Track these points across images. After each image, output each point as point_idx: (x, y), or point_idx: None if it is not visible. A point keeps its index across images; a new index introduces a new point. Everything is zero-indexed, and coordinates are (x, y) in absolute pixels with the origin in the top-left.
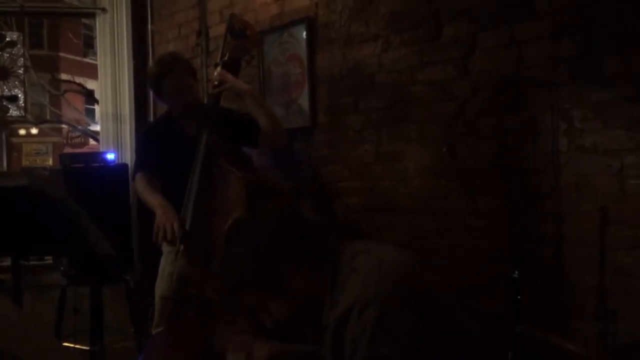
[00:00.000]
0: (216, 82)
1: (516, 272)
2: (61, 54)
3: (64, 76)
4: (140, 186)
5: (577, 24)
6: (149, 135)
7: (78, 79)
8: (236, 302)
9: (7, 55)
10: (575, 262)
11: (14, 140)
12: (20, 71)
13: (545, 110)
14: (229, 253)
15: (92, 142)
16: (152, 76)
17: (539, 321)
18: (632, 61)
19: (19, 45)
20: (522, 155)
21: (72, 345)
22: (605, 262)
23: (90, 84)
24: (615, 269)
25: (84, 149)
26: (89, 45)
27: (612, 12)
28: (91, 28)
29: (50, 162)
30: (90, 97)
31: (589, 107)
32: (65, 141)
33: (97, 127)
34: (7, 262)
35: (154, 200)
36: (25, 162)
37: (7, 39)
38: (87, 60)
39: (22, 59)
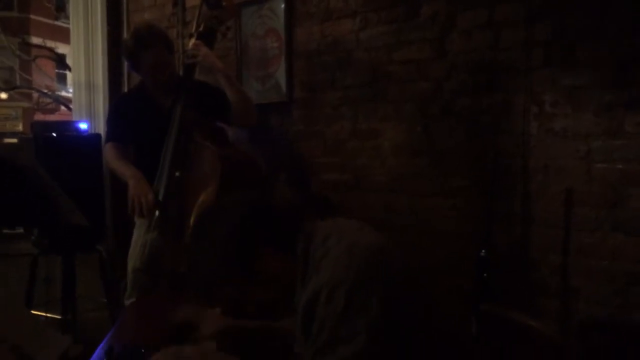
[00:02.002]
0: (191, 54)
1: (483, 251)
2: (32, 17)
3: (34, 40)
4: (110, 155)
5: (552, 8)
6: (122, 106)
7: (49, 43)
8: (211, 294)
9: None
10: (541, 241)
11: None
12: None
13: (518, 93)
14: (197, 247)
15: (63, 108)
16: (128, 50)
17: (505, 298)
18: (603, 47)
19: None
20: (494, 137)
21: (43, 314)
22: (570, 242)
23: (62, 48)
24: (578, 249)
25: (56, 115)
26: (60, 8)
27: None
28: None
29: (21, 127)
30: (61, 62)
31: (560, 92)
32: (35, 107)
33: (69, 93)
34: None
35: (126, 170)
36: None
37: None
38: (58, 23)
39: None
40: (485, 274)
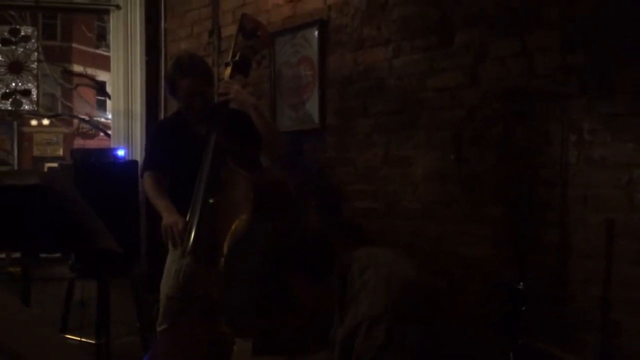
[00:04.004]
0: (223, 92)
1: (521, 284)
2: (74, 45)
3: (76, 67)
4: (147, 186)
5: (588, 34)
6: (159, 133)
7: (90, 70)
8: (243, 322)
9: (22, 49)
10: (580, 273)
11: (25, 130)
12: (34, 65)
13: (554, 121)
14: (229, 276)
15: (102, 134)
16: (168, 75)
17: (542, 332)
18: None
19: (33, 40)
20: (529, 165)
21: (78, 338)
22: (611, 275)
23: (102, 76)
24: (620, 282)
25: (95, 141)
26: (101, 37)
27: (622, 24)
28: (104, 20)
29: (61, 152)
30: (101, 90)
31: (598, 119)
32: (76, 132)
33: (108, 119)
34: (17, 255)
35: (160, 203)
36: (36, 152)
37: (22, 34)
38: (99, 51)
39: (35, 53)
40: (523, 307)
